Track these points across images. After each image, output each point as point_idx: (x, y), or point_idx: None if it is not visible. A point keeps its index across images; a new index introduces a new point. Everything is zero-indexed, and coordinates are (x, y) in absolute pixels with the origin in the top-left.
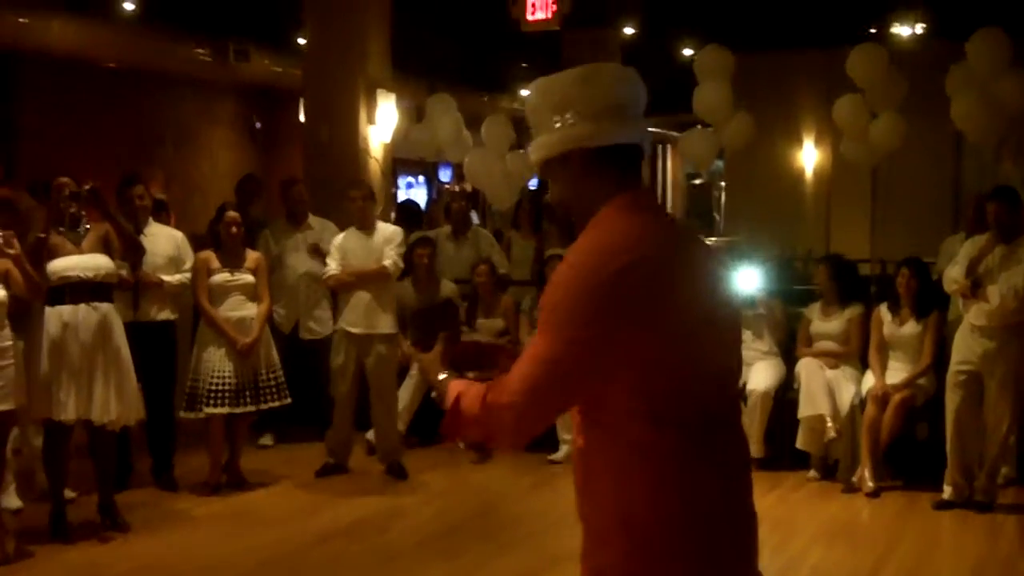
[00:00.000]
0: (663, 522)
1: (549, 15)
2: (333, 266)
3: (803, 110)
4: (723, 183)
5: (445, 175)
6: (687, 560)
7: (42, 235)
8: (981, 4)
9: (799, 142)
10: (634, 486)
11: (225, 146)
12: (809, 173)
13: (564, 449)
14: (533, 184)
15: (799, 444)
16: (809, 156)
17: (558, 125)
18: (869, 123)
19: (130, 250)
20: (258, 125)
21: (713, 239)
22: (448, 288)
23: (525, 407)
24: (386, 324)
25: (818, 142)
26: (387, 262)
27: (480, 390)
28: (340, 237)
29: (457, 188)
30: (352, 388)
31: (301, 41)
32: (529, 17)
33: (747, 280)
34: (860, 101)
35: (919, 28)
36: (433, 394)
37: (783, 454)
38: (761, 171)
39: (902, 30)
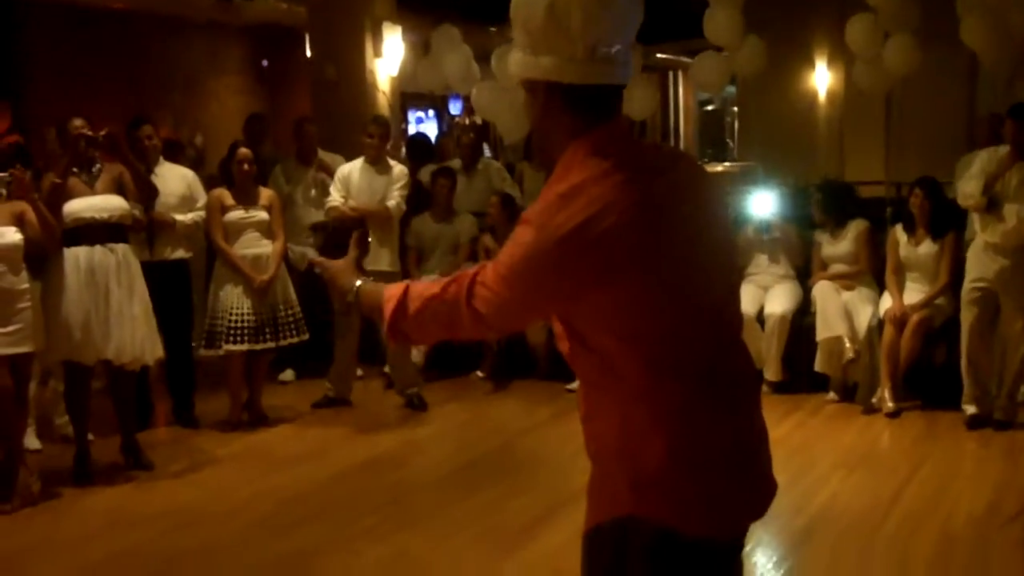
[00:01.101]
0: (667, 463)
1: None
2: (336, 197)
3: (815, 33)
4: (735, 109)
5: (455, 108)
6: (692, 498)
7: (58, 180)
8: None
9: (812, 66)
10: (635, 428)
11: (233, 87)
12: (822, 97)
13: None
14: None
15: (817, 367)
16: (822, 79)
17: (528, 46)
18: (882, 45)
19: (144, 192)
20: (265, 64)
21: (727, 165)
22: (467, 220)
23: (506, 292)
24: (386, 261)
25: (831, 65)
26: (391, 203)
27: (429, 285)
28: (347, 168)
29: (467, 121)
30: (354, 323)
31: None
32: None
33: (762, 205)
34: (873, 21)
35: None
36: (348, 298)
37: (801, 378)
38: (774, 96)
39: None
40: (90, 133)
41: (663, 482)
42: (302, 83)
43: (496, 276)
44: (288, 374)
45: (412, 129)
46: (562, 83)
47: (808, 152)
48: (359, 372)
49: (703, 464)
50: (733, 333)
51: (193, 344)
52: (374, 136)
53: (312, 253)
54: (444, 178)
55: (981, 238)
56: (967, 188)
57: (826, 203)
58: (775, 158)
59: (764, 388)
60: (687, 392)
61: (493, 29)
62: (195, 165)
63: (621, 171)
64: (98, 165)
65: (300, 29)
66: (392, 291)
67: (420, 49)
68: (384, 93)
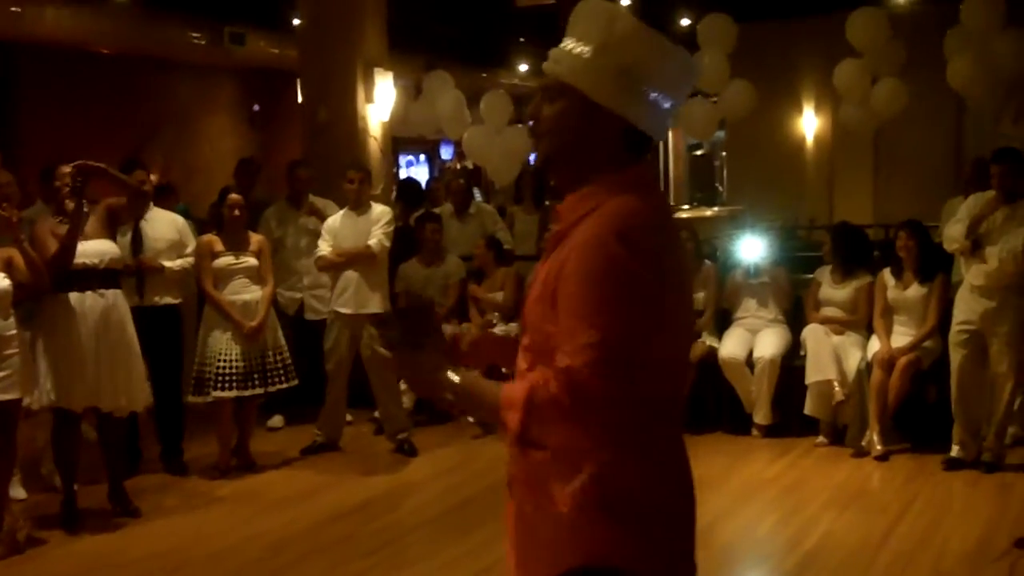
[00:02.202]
0: (630, 489)
1: None
2: (324, 248)
3: (803, 77)
4: (724, 153)
5: (446, 153)
6: (649, 524)
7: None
8: None
9: (800, 110)
10: (608, 456)
11: (224, 129)
12: (810, 140)
13: None
14: (533, 158)
15: (807, 410)
16: (810, 123)
17: (613, 72)
18: (870, 88)
19: (135, 200)
20: (256, 108)
21: (716, 209)
22: (455, 264)
23: (609, 358)
24: (376, 304)
25: (819, 109)
26: (372, 242)
27: (524, 380)
28: (332, 219)
29: (458, 166)
30: (344, 368)
31: (296, 22)
32: None
33: (752, 248)
34: (861, 66)
35: None
36: (447, 397)
37: (791, 421)
38: (762, 140)
39: None
40: (68, 184)
41: (621, 512)
42: (293, 126)
43: (581, 325)
44: (277, 420)
45: (404, 174)
46: (613, 111)
47: (797, 195)
48: (348, 417)
49: (664, 506)
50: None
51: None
52: (354, 181)
53: (316, 304)
54: (431, 223)
55: (967, 281)
56: (952, 232)
57: (838, 247)
58: (764, 201)
59: (754, 432)
60: (656, 431)
61: (484, 75)
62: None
63: (661, 214)
64: (85, 210)
65: (291, 72)
66: (512, 397)
67: (411, 92)
68: (375, 138)
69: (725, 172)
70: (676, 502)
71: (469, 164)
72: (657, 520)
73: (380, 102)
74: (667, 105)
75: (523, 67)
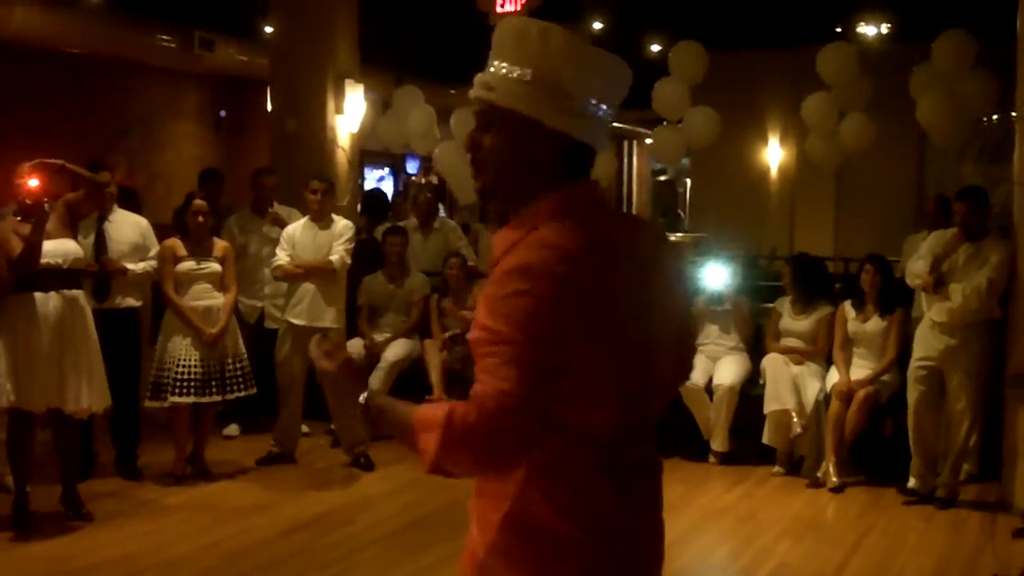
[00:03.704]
0: (554, 530)
1: (518, 7)
2: (282, 256)
3: (769, 108)
4: (688, 180)
5: (412, 167)
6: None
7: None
8: (944, 6)
9: (765, 140)
10: (529, 490)
11: (189, 135)
12: (774, 171)
13: None
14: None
15: (765, 439)
16: (775, 154)
17: (553, 91)
18: (837, 122)
19: (93, 195)
20: (223, 114)
21: (679, 235)
22: (419, 280)
23: (522, 395)
24: (330, 318)
25: (784, 140)
26: (333, 257)
27: (443, 405)
28: (292, 227)
29: (423, 180)
30: (297, 379)
31: (268, 30)
32: (498, 9)
33: (714, 276)
34: (829, 99)
35: (884, 28)
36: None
37: (749, 449)
38: (727, 168)
39: (867, 30)
40: (29, 195)
41: (545, 554)
42: (259, 134)
43: (498, 340)
44: (233, 429)
45: (368, 187)
46: (557, 130)
47: (758, 225)
48: (305, 429)
49: (590, 549)
50: (652, 424)
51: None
52: (317, 192)
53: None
54: (396, 236)
55: (928, 317)
56: (915, 268)
57: (797, 278)
58: (726, 229)
59: (711, 459)
60: (592, 470)
61: (452, 91)
62: None
63: (598, 232)
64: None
65: (259, 80)
66: (429, 418)
67: (379, 106)
68: (344, 150)
69: (688, 198)
70: (596, 551)
71: (434, 179)
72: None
73: (350, 114)
74: (605, 114)
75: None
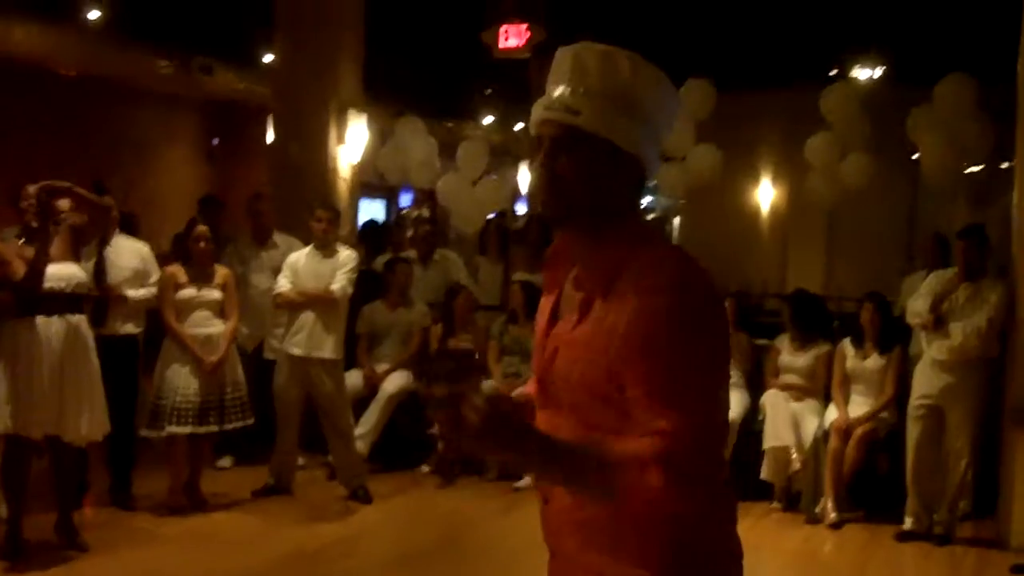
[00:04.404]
0: (728, 551)
1: (522, 43)
2: (284, 284)
3: (763, 148)
4: (677, 217)
5: (405, 200)
6: None
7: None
8: (939, 51)
9: (757, 180)
10: (704, 515)
11: (182, 161)
12: (766, 210)
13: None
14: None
15: (763, 475)
16: (766, 193)
17: (635, 117)
18: (838, 162)
19: (99, 219)
20: (215, 142)
21: None
22: (420, 312)
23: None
24: (329, 349)
25: (776, 180)
26: (335, 287)
27: (631, 440)
28: (295, 255)
29: (415, 214)
30: (294, 411)
31: (266, 59)
32: (501, 44)
33: None
34: (831, 139)
35: (878, 71)
36: (523, 455)
37: (747, 485)
38: (718, 206)
39: (862, 73)
40: (33, 204)
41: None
42: (252, 162)
43: (680, 373)
44: (227, 460)
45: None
46: (632, 153)
47: (749, 263)
48: (301, 461)
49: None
50: None
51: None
52: (323, 220)
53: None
54: (404, 264)
55: (928, 355)
56: (915, 306)
57: (797, 315)
58: (716, 267)
59: None
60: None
61: (450, 124)
62: None
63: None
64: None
65: (255, 107)
66: (636, 454)
67: (379, 137)
68: (345, 180)
69: (676, 234)
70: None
71: (425, 212)
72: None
73: (351, 144)
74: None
75: (488, 119)
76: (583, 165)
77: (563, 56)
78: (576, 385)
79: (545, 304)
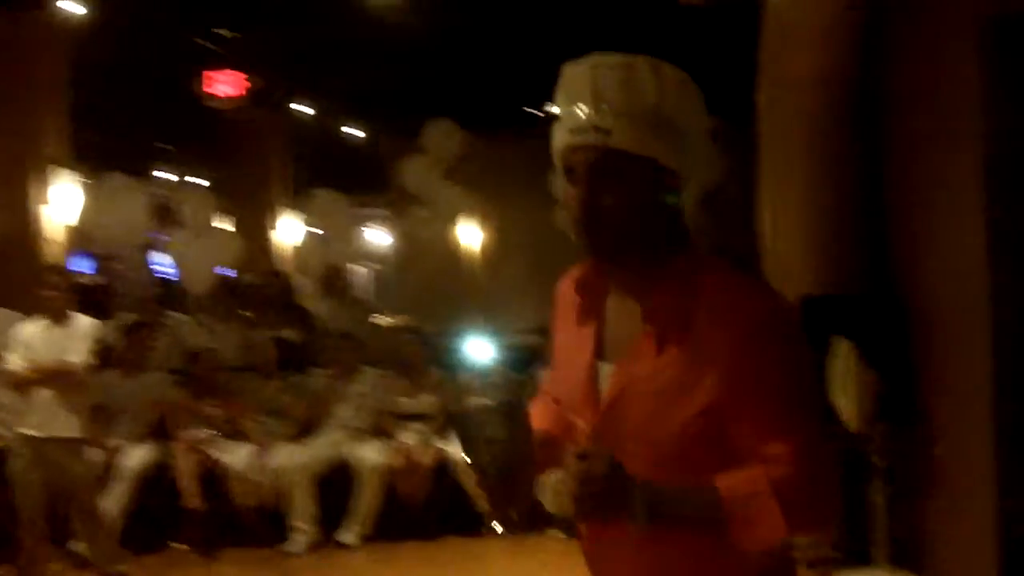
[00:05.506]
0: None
1: (243, 92)
2: (15, 360)
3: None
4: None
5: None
6: None
7: None
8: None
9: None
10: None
11: None
12: (464, 247)
13: (302, 539)
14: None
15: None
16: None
17: (666, 131)
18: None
19: None
20: None
21: (389, 320)
22: (157, 376)
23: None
24: (69, 427)
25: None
26: (76, 359)
27: (737, 476)
28: (25, 328)
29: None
30: (38, 499)
31: None
32: (208, 90)
33: (481, 352)
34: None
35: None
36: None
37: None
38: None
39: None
40: None
41: None
42: None
43: (788, 414)
44: None
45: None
46: (671, 168)
47: (450, 302)
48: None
49: None
50: None
51: None
52: (54, 287)
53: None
54: (147, 329)
55: None
56: None
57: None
58: (418, 310)
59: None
60: None
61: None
62: None
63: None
64: None
65: None
66: (744, 492)
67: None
68: (57, 243)
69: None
70: None
71: (101, 280)
72: None
73: (59, 203)
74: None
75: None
76: (625, 190)
77: (575, 73)
78: (658, 423)
79: (580, 338)
